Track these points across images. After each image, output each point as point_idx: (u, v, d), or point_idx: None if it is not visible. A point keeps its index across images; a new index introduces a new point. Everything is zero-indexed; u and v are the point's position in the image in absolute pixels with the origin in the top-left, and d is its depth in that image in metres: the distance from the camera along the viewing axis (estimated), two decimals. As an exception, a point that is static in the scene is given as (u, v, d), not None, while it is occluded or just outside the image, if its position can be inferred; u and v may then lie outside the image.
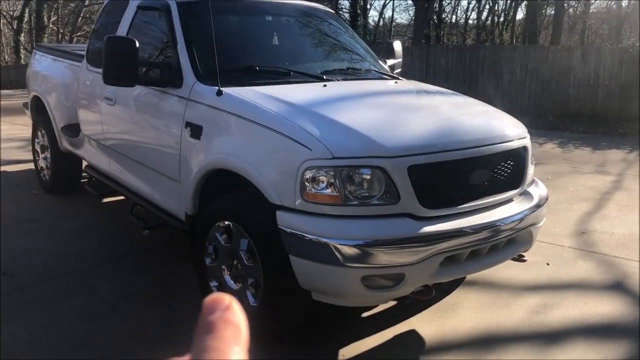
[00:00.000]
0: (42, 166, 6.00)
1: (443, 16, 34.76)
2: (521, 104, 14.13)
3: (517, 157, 3.28)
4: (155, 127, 3.84)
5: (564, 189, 6.77)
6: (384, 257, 2.70)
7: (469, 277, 3.96)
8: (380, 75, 4.18)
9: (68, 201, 5.72)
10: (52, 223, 5.09)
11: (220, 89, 3.29)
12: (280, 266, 2.87)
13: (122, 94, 4.17)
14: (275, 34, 4.12)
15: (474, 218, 2.95)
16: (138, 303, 3.62)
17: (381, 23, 40.45)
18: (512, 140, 3.22)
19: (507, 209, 3.13)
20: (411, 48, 16.05)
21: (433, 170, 2.87)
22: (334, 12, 4.74)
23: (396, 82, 3.93)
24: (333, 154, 2.72)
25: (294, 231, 2.78)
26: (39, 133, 5.93)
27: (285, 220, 2.82)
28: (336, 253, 2.68)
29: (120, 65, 3.49)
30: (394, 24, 42.61)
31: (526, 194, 3.36)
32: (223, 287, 3.27)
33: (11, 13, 35.97)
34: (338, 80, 3.77)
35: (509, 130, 3.29)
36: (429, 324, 3.42)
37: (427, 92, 3.97)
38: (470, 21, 39.94)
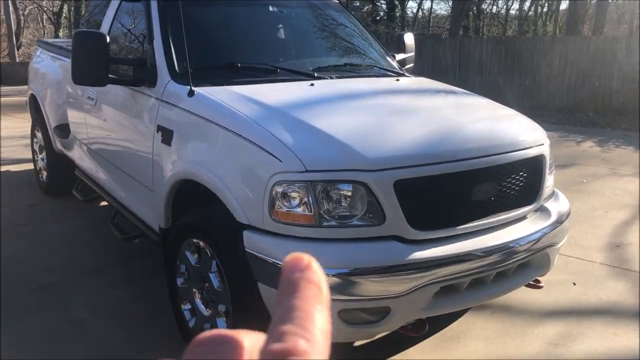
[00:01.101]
0: (40, 167, 5.77)
1: (483, 7, 33.62)
2: (559, 98, 13.39)
3: (532, 168, 2.82)
4: (131, 130, 3.50)
5: (600, 193, 6.19)
6: (364, 288, 2.29)
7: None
8: (384, 72, 3.74)
9: (62, 204, 5.45)
10: (41, 228, 4.82)
11: (193, 88, 2.92)
12: (248, 294, 2.49)
13: (103, 94, 3.85)
14: (266, 27, 3.72)
15: (475, 241, 2.52)
16: (109, 322, 3.30)
17: (420, 14, 39.39)
18: (526, 148, 2.76)
19: (517, 229, 2.68)
20: (444, 40, 15.42)
21: (425, 186, 2.44)
22: (337, 1, 4.31)
23: (397, 80, 3.48)
24: (306, 167, 2.33)
25: (261, 255, 2.40)
26: (37, 132, 5.70)
27: (252, 243, 2.44)
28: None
29: (90, 62, 3.16)
30: (432, 15, 41.51)
31: (543, 210, 2.89)
32: (195, 312, 2.93)
33: (52, 9, 36.49)
34: (331, 78, 3.36)
35: (522, 136, 2.82)
36: (429, 356, 2.99)
37: (430, 91, 3.52)
38: (512, 11, 38.64)
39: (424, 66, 15.09)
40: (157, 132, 3.10)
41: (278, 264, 2.33)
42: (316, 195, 2.32)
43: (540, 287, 2.99)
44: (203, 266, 2.79)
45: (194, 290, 2.89)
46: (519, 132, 2.87)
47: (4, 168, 6.96)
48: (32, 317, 3.35)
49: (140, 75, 3.27)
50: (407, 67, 4.38)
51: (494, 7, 37.98)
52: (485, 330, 3.26)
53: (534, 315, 3.44)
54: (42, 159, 5.63)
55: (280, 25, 3.77)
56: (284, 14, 3.80)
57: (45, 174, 5.61)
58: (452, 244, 2.45)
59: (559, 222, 2.87)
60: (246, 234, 2.46)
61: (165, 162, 3.03)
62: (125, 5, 3.89)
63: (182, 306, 3.00)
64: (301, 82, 3.16)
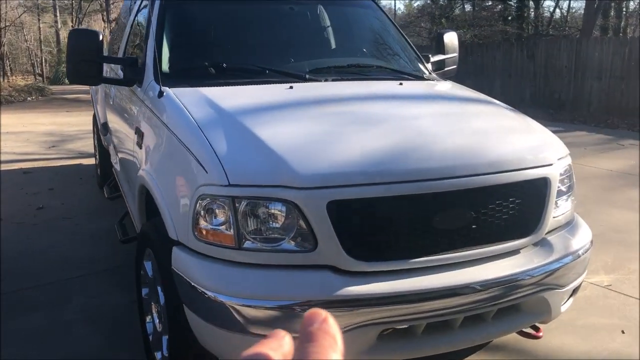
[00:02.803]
0: (97, 162, 5.97)
1: (631, 5, 30.38)
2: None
3: (529, 193, 2.33)
4: (125, 131, 3.42)
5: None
6: (287, 325, 1.99)
7: (498, 338, 3.03)
8: (397, 75, 3.33)
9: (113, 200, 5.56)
10: (82, 223, 4.94)
11: (162, 89, 2.76)
12: (176, 317, 2.28)
13: (118, 93, 3.82)
14: (271, 27, 3.45)
15: (435, 278, 2.11)
16: (92, 327, 3.24)
17: (558, 14, 36.48)
18: (517, 170, 2.28)
19: (498, 267, 2.22)
20: (558, 41, 14.20)
21: (368, 209, 2.07)
22: None
23: (401, 84, 3.07)
24: (229, 180, 2.06)
25: (184, 277, 2.17)
26: (95, 129, 5.90)
27: (178, 261, 2.22)
28: (224, 314, 2.03)
29: (83, 61, 3.10)
30: (572, 12, 38.36)
31: (544, 245, 2.39)
32: (155, 327, 2.76)
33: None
34: (326, 80, 3.04)
35: (515, 155, 2.34)
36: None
37: (430, 97, 3.05)
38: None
39: (536, 69, 14.02)
40: (135, 134, 2.98)
41: (194, 286, 2.09)
42: (237, 213, 2.05)
43: (537, 338, 2.49)
44: (155, 278, 2.61)
45: (152, 302, 2.73)
46: (514, 149, 2.38)
47: (76, 161, 7.32)
48: (24, 315, 3.37)
49: (131, 74, 3.16)
50: (446, 69, 3.92)
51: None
52: (487, 378, 2.79)
53: (556, 366, 2.90)
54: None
55: (287, 24, 3.50)
56: (294, 11, 3.53)
57: (99, 169, 5.79)
58: (401, 280, 2.07)
59: (565, 260, 2.35)
60: (174, 251, 2.25)
61: (139, 166, 2.90)
62: (144, 3, 3.83)
63: (146, 318, 2.85)
64: (282, 84, 2.87)
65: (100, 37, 3.11)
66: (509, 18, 25.73)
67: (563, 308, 2.47)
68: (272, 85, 2.89)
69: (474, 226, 2.19)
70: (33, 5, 38.25)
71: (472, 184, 2.16)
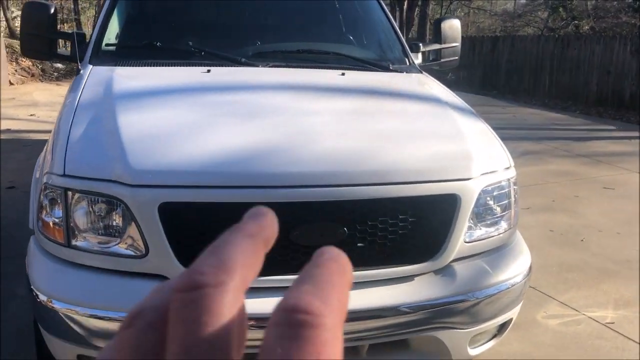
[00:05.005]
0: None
1: None
2: None
3: (427, 211, 1.94)
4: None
5: None
6: (103, 338, 1.79)
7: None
8: (356, 64, 2.94)
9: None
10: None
11: (79, 67, 2.62)
12: (35, 325, 2.13)
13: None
14: (227, 9, 3.20)
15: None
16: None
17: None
18: (413, 183, 1.89)
19: (370, 294, 1.87)
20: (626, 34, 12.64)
21: (206, 215, 1.80)
22: None
23: (342, 74, 2.69)
24: (65, 170, 1.87)
25: (28, 273, 2.02)
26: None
27: (28, 255, 2.08)
28: (48, 316, 1.87)
29: (36, 35, 3.04)
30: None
31: (446, 274, 1.99)
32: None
33: None
34: (266, 65, 2.75)
35: (414, 165, 1.95)
36: None
37: (359, 92, 2.62)
38: None
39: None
40: (66, 115, 2.88)
41: (33, 291, 1.92)
42: (68, 207, 1.85)
43: (433, 382, 2.09)
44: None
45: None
46: (415, 159, 1.97)
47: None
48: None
49: (75, 51, 3.05)
50: (443, 60, 3.49)
51: None
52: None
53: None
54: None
55: (246, 2, 3.21)
56: None
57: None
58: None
59: (467, 296, 1.95)
60: (30, 242, 2.10)
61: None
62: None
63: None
64: (201, 67, 2.61)
65: (52, 11, 3.02)
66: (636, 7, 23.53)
67: (474, 351, 2.07)
68: (193, 68, 2.64)
69: (348, 245, 1.85)
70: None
71: (342, 196, 1.82)
